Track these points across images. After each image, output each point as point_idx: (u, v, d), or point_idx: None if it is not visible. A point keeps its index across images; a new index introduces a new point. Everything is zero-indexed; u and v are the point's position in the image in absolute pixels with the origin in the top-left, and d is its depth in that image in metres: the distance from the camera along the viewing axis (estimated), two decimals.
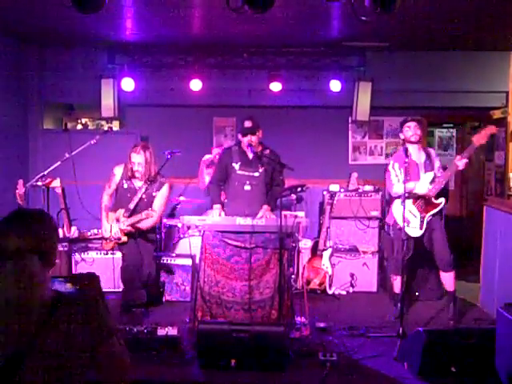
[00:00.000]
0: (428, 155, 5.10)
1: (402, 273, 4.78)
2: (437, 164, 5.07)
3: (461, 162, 4.81)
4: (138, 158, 4.97)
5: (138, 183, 5.08)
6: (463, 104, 7.12)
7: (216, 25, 5.59)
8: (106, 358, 1.82)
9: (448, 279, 5.10)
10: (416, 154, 5.04)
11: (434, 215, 4.98)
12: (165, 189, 5.10)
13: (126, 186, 5.07)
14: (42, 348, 1.70)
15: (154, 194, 5.06)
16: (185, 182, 7.16)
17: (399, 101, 7.04)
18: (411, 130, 4.99)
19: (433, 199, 4.95)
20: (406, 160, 4.66)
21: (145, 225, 5.02)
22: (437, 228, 5.01)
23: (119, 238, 4.99)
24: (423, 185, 4.95)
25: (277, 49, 6.73)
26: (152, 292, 5.31)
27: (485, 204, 5.68)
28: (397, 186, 4.95)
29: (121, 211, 4.99)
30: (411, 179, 4.88)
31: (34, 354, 1.68)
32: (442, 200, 4.97)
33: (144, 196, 5.03)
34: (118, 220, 4.99)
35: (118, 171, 5.11)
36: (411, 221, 4.95)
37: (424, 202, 4.95)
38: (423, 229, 4.95)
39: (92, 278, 1.95)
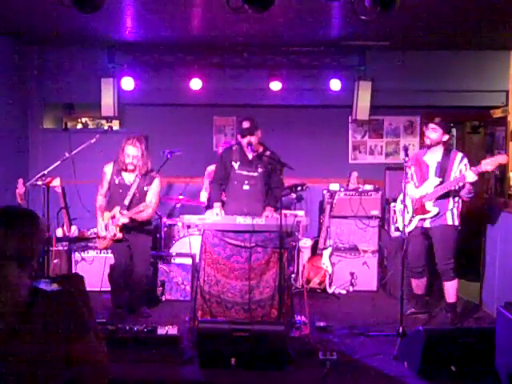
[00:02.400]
0: (445, 158, 4.90)
1: (402, 273, 4.81)
2: (459, 169, 4.84)
3: (469, 174, 4.63)
4: (133, 151, 4.93)
5: (129, 178, 5.04)
6: (463, 103, 7.11)
7: (216, 24, 5.58)
8: (80, 355, 1.84)
9: (446, 288, 5.02)
10: (432, 155, 4.92)
11: (431, 222, 4.92)
12: (156, 183, 5.08)
13: (117, 181, 5.04)
14: (19, 343, 1.74)
15: (145, 188, 5.05)
16: (185, 181, 7.16)
17: (399, 100, 7.04)
18: (427, 132, 4.92)
19: (426, 205, 4.88)
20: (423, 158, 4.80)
21: (140, 218, 5.01)
22: (436, 236, 4.94)
23: (115, 235, 4.98)
24: (424, 189, 4.90)
25: (277, 48, 6.73)
26: (142, 294, 5.28)
27: (485, 204, 5.68)
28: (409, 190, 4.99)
29: (117, 208, 4.98)
30: (418, 180, 4.96)
31: (13, 348, 1.74)
32: (434, 209, 4.86)
33: (136, 191, 5.02)
34: (113, 217, 4.98)
35: (108, 169, 5.09)
36: (404, 216, 4.96)
37: (420, 203, 4.92)
38: (409, 227, 4.94)
39: (76, 278, 2.05)
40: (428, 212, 4.89)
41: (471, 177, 4.64)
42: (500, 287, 5.22)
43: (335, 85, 6.75)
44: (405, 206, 4.71)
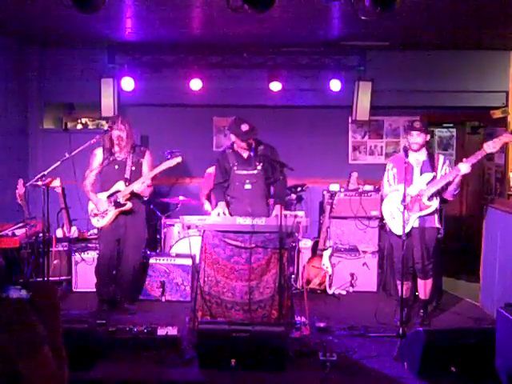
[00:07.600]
0: (430, 157, 4.92)
1: (402, 277, 4.80)
2: (443, 170, 4.84)
3: (464, 166, 4.60)
4: (120, 132, 5.07)
5: (120, 154, 5.16)
6: (463, 104, 7.11)
7: (216, 24, 5.58)
8: (28, 373, 1.68)
9: (422, 286, 5.03)
10: (415, 155, 4.89)
11: (419, 223, 4.84)
12: (148, 155, 5.26)
13: (110, 158, 5.14)
14: None
15: (139, 161, 5.19)
16: (185, 182, 7.17)
17: (399, 100, 7.03)
18: (413, 138, 4.89)
19: (423, 200, 4.81)
20: (407, 160, 4.67)
21: (143, 190, 5.14)
22: (420, 236, 4.86)
23: (124, 204, 5.06)
24: (416, 186, 4.82)
25: (277, 48, 6.73)
26: (128, 287, 5.32)
27: (485, 204, 5.68)
28: (386, 188, 5.08)
29: (121, 182, 5.08)
30: (400, 182, 4.84)
31: None
32: (434, 202, 4.81)
33: (132, 165, 5.14)
34: (116, 192, 5.08)
35: (99, 151, 5.18)
36: (396, 217, 4.91)
37: (413, 202, 4.81)
38: (407, 228, 4.79)
39: (48, 288, 1.95)
40: (429, 206, 4.81)
41: (465, 168, 4.63)
42: (500, 288, 5.22)
43: (335, 85, 6.75)
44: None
